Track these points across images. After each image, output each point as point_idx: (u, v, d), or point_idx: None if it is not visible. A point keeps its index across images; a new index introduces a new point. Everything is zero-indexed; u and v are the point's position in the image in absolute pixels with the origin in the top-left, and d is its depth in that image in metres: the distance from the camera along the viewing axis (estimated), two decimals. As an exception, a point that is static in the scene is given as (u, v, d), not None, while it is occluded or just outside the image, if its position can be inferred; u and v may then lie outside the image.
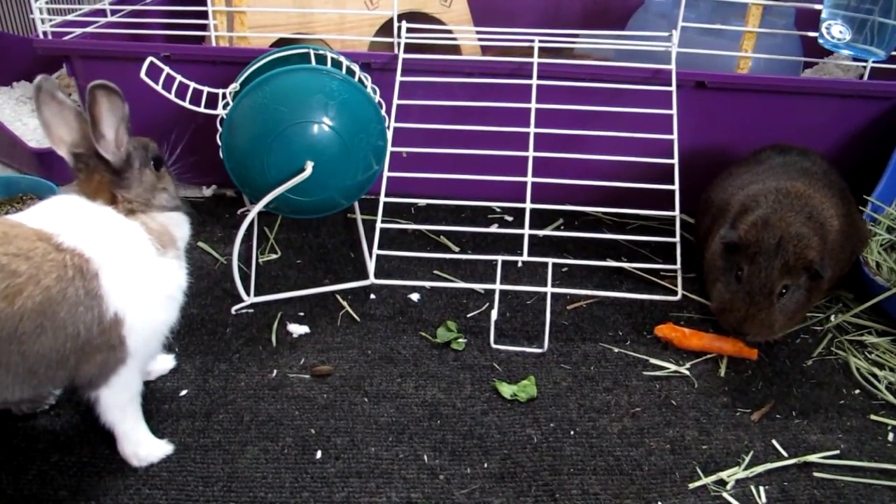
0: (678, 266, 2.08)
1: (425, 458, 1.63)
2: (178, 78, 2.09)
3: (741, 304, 1.87)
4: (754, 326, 1.87)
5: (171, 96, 2.05)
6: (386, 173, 2.19)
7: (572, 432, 1.70)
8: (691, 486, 1.57)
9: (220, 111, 2.07)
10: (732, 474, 1.60)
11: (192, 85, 2.12)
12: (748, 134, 2.43)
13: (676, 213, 2.13)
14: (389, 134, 2.20)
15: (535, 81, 2.26)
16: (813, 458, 1.65)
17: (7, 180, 2.41)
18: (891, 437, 1.73)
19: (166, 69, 2.08)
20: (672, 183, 2.15)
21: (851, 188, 2.20)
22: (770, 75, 2.49)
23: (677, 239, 2.09)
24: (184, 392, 1.78)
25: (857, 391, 1.87)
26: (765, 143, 2.28)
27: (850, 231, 2.04)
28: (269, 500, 1.52)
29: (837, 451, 1.67)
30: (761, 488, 1.57)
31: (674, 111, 2.21)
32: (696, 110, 2.39)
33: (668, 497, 1.54)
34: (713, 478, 1.59)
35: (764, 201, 1.95)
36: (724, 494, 1.55)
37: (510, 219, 2.53)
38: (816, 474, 1.61)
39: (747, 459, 1.64)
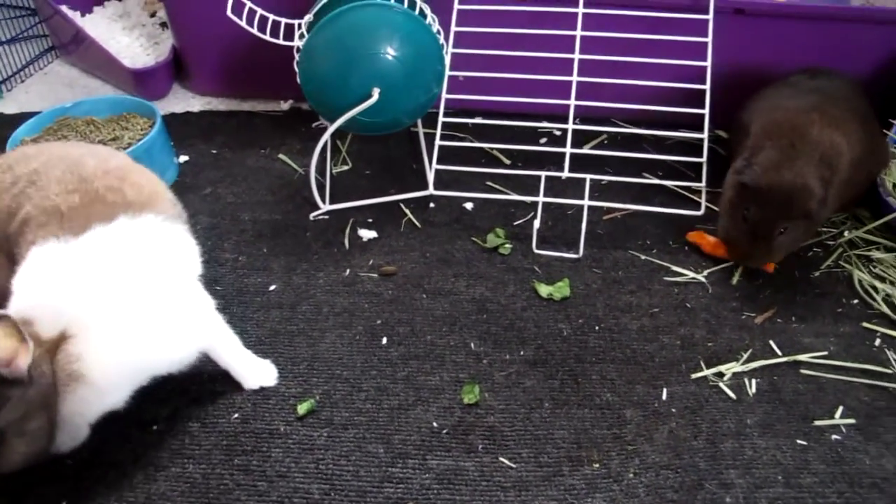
0: (703, 185, 2.30)
1: (472, 345, 1.95)
2: (259, 11, 2.34)
3: (744, 242, 2.07)
4: (755, 261, 2.11)
5: (254, 30, 2.32)
6: (444, 95, 2.44)
7: (597, 328, 2.00)
8: (693, 376, 1.87)
9: (297, 42, 2.32)
10: (730, 368, 1.88)
11: (271, 17, 2.37)
12: (786, 57, 2.56)
13: (705, 135, 2.33)
14: (448, 59, 2.43)
15: (580, 10, 2.46)
16: (803, 357, 1.91)
17: (113, 100, 2.71)
18: (878, 342, 1.98)
19: (248, 3, 2.33)
20: (705, 107, 2.34)
21: (886, 111, 2.38)
22: (808, 3, 2.61)
23: (703, 159, 2.31)
24: (273, 287, 2.13)
25: (856, 301, 2.10)
26: (802, 66, 2.42)
27: (869, 154, 2.21)
28: (344, 377, 1.87)
29: (826, 353, 1.93)
30: (753, 380, 1.86)
31: (709, 39, 2.37)
32: (733, 36, 2.55)
33: (672, 384, 1.85)
34: (713, 370, 1.88)
35: (777, 143, 2.06)
36: (721, 384, 1.84)
37: (559, 133, 2.77)
38: (804, 371, 1.88)
39: (745, 356, 1.92)
